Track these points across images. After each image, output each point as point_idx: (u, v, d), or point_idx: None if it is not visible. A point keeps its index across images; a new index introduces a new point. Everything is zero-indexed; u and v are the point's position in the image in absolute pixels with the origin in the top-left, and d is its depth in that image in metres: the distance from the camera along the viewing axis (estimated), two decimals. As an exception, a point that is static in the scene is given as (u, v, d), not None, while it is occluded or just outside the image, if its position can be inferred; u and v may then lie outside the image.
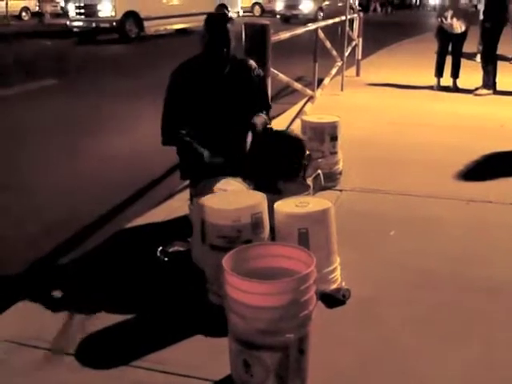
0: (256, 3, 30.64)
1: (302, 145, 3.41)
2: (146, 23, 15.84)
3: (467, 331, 2.51)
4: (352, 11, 8.98)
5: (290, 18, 23.91)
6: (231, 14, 16.42)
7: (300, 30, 6.36)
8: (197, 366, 2.24)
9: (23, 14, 26.53)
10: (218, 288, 2.29)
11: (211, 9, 17.04)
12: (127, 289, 2.83)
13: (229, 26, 3.21)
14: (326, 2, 24.52)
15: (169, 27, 17.13)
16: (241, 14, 20.41)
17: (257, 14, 29.71)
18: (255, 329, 1.90)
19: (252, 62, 3.41)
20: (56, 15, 25.39)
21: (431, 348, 2.37)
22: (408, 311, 2.65)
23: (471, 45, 8.58)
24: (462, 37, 8.07)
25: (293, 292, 1.88)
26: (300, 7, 23.93)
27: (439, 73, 8.16)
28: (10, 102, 7.95)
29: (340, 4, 24.68)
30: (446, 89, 8.03)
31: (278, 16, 24.94)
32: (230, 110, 3.27)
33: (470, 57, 9.89)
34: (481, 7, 8.02)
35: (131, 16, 15.36)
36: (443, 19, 7.85)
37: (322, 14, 23.42)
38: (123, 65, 11.58)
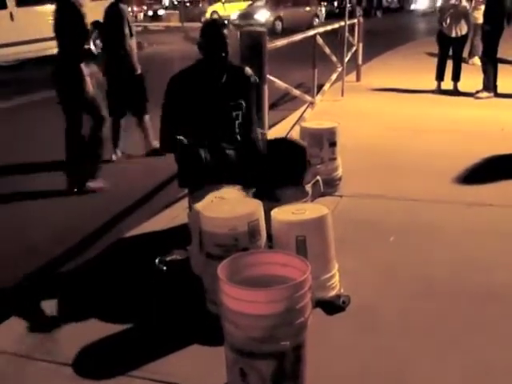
0: (213, 11, 25.52)
1: (304, 152, 3.40)
2: None
3: (467, 339, 2.48)
4: (317, 19, 8.92)
5: None
6: None
7: (298, 37, 6.37)
8: (194, 375, 2.24)
9: None
10: (216, 297, 2.29)
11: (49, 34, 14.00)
12: (126, 298, 2.83)
13: (225, 31, 3.22)
14: (286, 11, 21.40)
15: None
16: None
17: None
18: (250, 337, 1.89)
19: (248, 70, 3.42)
20: None
21: (430, 356, 2.35)
22: (408, 318, 2.63)
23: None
24: (463, 40, 8.10)
25: (287, 299, 1.86)
26: (256, 17, 20.90)
27: (440, 76, 8.16)
28: None
29: (307, 10, 21.35)
30: (446, 92, 8.02)
31: (231, 26, 23.00)
32: (226, 117, 3.27)
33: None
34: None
35: None
36: (443, 23, 7.87)
37: (280, 24, 20.78)
38: None
